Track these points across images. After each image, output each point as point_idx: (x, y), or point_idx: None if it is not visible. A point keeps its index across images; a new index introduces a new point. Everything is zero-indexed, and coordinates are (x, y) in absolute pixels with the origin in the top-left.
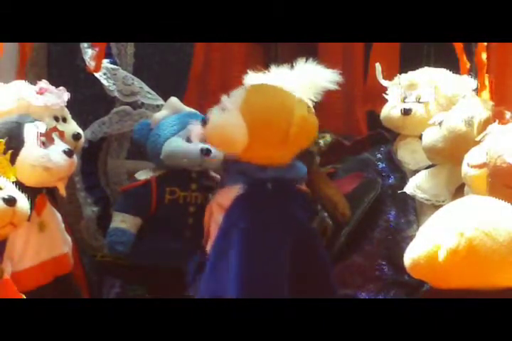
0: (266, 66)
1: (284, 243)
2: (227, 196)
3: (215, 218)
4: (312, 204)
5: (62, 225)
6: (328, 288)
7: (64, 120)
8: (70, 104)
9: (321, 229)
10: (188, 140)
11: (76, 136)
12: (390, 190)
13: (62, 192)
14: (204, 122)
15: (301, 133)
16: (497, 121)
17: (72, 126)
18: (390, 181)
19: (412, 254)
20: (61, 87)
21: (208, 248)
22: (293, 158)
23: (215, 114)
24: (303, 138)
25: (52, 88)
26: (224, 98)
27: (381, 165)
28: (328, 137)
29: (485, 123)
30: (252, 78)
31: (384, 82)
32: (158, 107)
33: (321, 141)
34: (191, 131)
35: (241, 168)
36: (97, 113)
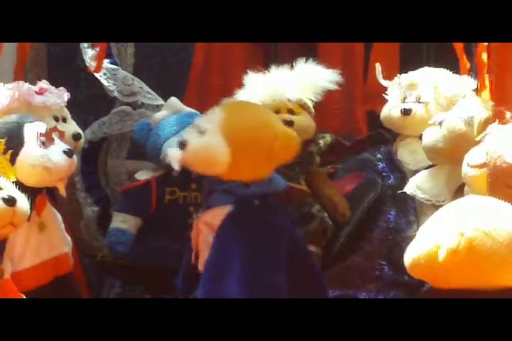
0: (266, 66)
1: (280, 255)
2: (215, 216)
3: (204, 237)
4: (292, 214)
5: (62, 225)
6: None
7: (64, 120)
8: (70, 104)
9: (321, 230)
10: None
11: (76, 136)
12: (390, 190)
13: (62, 192)
14: (182, 146)
15: (284, 147)
16: (497, 121)
17: (72, 126)
18: (390, 181)
19: (412, 254)
20: (61, 87)
21: (200, 267)
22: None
23: (192, 138)
24: (288, 152)
25: (52, 88)
26: (199, 120)
27: (381, 165)
28: (328, 137)
29: (485, 123)
30: (252, 78)
31: (384, 82)
32: (158, 107)
33: (321, 141)
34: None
35: (225, 187)
36: (97, 113)
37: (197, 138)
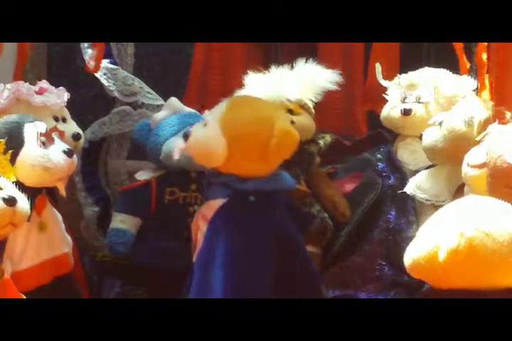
0: (266, 66)
1: (267, 253)
2: (210, 208)
3: (201, 230)
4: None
5: (62, 225)
6: (315, 294)
7: (64, 120)
8: (70, 104)
9: (321, 230)
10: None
11: (76, 136)
12: (390, 190)
13: (62, 192)
14: (186, 137)
15: (281, 145)
16: (497, 121)
17: (72, 126)
18: (390, 181)
19: (412, 254)
20: (61, 87)
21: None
22: (275, 169)
23: (196, 129)
24: (283, 150)
25: (52, 88)
26: (206, 113)
27: (381, 165)
28: (328, 137)
29: (485, 123)
30: (252, 78)
31: (384, 82)
32: (159, 107)
33: (321, 141)
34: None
35: (222, 180)
36: (97, 113)
37: (199, 130)
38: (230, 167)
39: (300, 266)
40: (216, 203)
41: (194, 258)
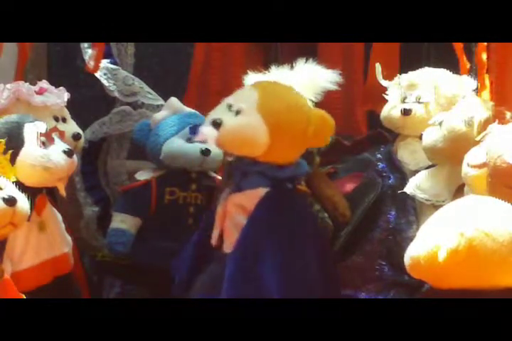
0: (266, 66)
1: (310, 241)
2: (248, 198)
3: (233, 220)
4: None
5: (62, 225)
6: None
7: (64, 120)
8: (70, 104)
9: None
10: (188, 140)
11: (76, 136)
12: (390, 190)
13: (62, 192)
14: (216, 124)
15: (319, 132)
16: (497, 121)
17: (72, 126)
18: (390, 181)
19: (412, 254)
20: (61, 87)
21: (227, 249)
22: None
23: (228, 117)
24: (321, 137)
25: (52, 88)
26: (231, 100)
27: (381, 165)
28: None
29: (485, 123)
30: (252, 78)
31: (384, 82)
32: (159, 107)
33: None
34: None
35: (260, 169)
36: (97, 113)
37: (234, 118)
38: (270, 155)
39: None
40: (257, 193)
41: (227, 249)
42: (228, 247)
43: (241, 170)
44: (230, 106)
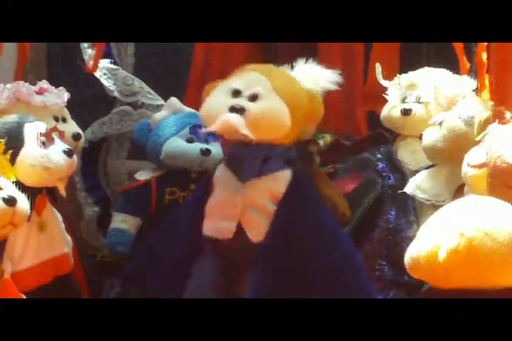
0: None
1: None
2: (277, 182)
3: (258, 207)
4: None
5: (62, 225)
6: None
7: (64, 120)
8: (70, 104)
9: None
10: (188, 140)
11: (76, 136)
12: (390, 190)
13: (62, 192)
14: (238, 110)
15: (318, 107)
16: (497, 121)
17: (72, 126)
18: (390, 181)
19: (412, 254)
20: (61, 87)
21: (256, 238)
22: None
23: (248, 103)
24: (320, 112)
25: (52, 88)
26: (237, 86)
27: (381, 165)
28: (328, 137)
29: (485, 123)
30: None
31: (384, 82)
32: (159, 107)
33: (321, 141)
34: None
35: (279, 151)
36: (97, 113)
37: (256, 103)
38: (286, 136)
39: None
40: (283, 175)
41: (255, 238)
42: (257, 236)
43: (263, 155)
44: (237, 92)
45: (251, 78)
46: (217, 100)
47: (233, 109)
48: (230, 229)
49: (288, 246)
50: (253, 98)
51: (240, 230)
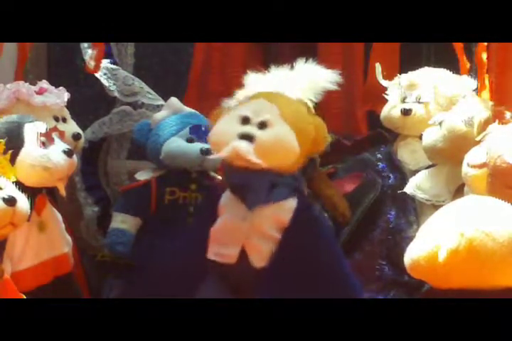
0: (266, 66)
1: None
2: (281, 211)
3: (263, 233)
4: None
5: (62, 225)
6: None
7: (64, 120)
8: (70, 104)
9: None
10: (188, 140)
11: (76, 136)
12: (390, 190)
13: (62, 192)
14: (248, 138)
15: (321, 136)
16: (497, 121)
17: (72, 126)
18: (390, 181)
19: (412, 254)
20: (61, 87)
21: (258, 263)
22: None
23: (257, 131)
24: (322, 141)
25: (52, 88)
26: (246, 113)
27: (381, 165)
28: (328, 137)
29: (485, 123)
30: (252, 78)
31: (384, 82)
32: (159, 107)
33: None
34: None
35: (287, 180)
36: (97, 113)
37: (265, 131)
38: (294, 164)
39: None
40: (289, 204)
41: (259, 263)
42: (259, 261)
43: (269, 181)
44: (246, 119)
45: (259, 105)
46: (226, 127)
47: (243, 137)
48: (233, 255)
49: (291, 272)
50: (262, 125)
51: (242, 255)
